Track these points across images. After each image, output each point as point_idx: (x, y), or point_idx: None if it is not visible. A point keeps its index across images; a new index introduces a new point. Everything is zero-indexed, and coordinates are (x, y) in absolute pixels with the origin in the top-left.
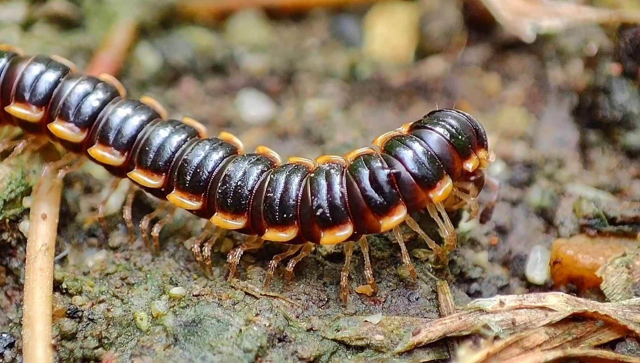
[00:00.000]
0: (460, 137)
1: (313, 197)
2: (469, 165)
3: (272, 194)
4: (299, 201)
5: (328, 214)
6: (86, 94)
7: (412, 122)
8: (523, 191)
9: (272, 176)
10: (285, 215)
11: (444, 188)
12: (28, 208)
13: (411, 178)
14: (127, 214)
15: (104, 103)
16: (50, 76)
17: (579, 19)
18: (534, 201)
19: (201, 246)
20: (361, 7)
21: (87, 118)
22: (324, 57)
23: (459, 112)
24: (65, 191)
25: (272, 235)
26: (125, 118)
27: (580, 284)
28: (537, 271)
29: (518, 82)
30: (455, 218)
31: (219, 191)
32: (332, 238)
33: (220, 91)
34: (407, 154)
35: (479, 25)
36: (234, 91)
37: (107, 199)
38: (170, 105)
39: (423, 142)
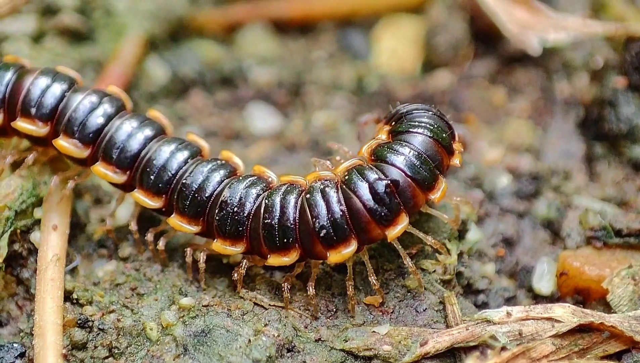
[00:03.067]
0: (444, 135)
1: (314, 219)
2: (456, 160)
3: (269, 221)
4: (297, 224)
5: (332, 234)
6: (91, 110)
7: (387, 128)
8: (530, 203)
9: (267, 201)
10: (285, 240)
11: (441, 187)
12: (39, 219)
13: (412, 183)
14: (134, 226)
15: (108, 119)
16: (56, 90)
17: (585, 32)
18: (541, 213)
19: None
20: (368, 20)
21: (91, 134)
22: (331, 70)
23: (428, 109)
24: (75, 202)
25: (276, 260)
26: (128, 136)
27: (587, 295)
28: (544, 283)
29: (524, 95)
30: (461, 230)
31: (217, 217)
32: (339, 257)
33: (229, 103)
34: (401, 160)
35: (486, 38)
36: (243, 103)
37: (114, 212)
38: (179, 117)
39: (413, 146)
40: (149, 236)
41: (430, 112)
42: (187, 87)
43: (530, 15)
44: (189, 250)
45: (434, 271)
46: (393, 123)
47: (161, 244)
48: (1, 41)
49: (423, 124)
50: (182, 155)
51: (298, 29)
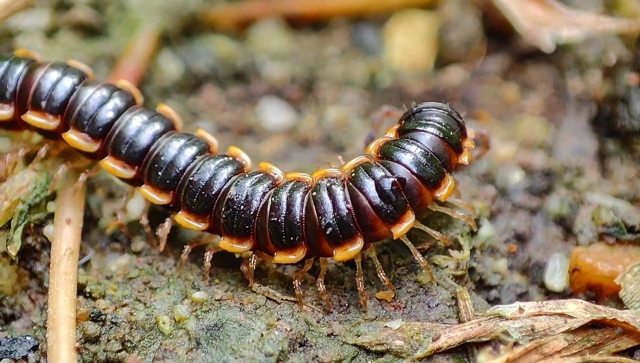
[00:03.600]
0: (452, 133)
1: (320, 217)
2: (465, 158)
3: (275, 219)
4: (303, 222)
5: (338, 232)
6: (101, 104)
7: (396, 126)
8: (542, 200)
9: (273, 199)
10: (292, 238)
11: (448, 185)
12: (52, 213)
13: (418, 181)
14: (144, 220)
15: (118, 113)
16: (67, 84)
17: (598, 29)
18: (553, 210)
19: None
20: (381, 16)
21: (101, 129)
22: (344, 66)
23: (439, 108)
24: (88, 196)
25: (282, 258)
26: (137, 132)
27: (599, 292)
28: (556, 279)
29: (537, 92)
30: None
31: (223, 215)
32: (345, 254)
33: (242, 98)
34: (408, 158)
35: (499, 34)
36: (255, 99)
37: (125, 206)
38: (192, 112)
39: (420, 144)
40: (160, 232)
41: (440, 110)
42: (200, 82)
43: (543, 11)
44: (187, 247)
45: (447, 266)
46: (402, 122)
47: (162, 231)
48: (15, 36)
49: (431, 122)
50: (190, 151)
51: (311, 25)
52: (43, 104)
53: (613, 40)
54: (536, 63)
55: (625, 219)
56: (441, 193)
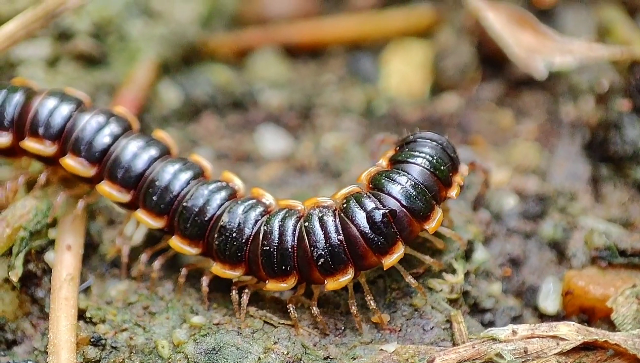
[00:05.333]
0: (442, 168)
1: (312, 248)
2: (453, 193)
3: (267, 248)
4: (295, 251)
5: (330, 263)
6: (98, 129)
7: (389, 155)
8: (536, 224)
9: (265, 227)
10: (283, 267)
11: (437, 218)
12: (53, 239)
13: (407, 213)
14: (144, 258)
15: (114, 138)
16: (63, 110)
17: (591, 56)
18: (547, 234)
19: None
20: (377, 44)
21: (97, 153)
22: (341, 93)
23: (432, 140)
24: (88, 223)
25: (274, 286)
26: (133, 156)
27: (592, 314)
28: (550, 302)
29: (531, 118)
30: (467, 250)
31: (216, 242)
32: (337, 284)
33: (240, 125)
34: (398, 190)
35: (493, 62)
36: (253, 126)
37: (123, 230)
38: (191, 140)
39: (410, 176)
40: (143, 257)
41: (434, 143)
42: (199, 110)
43: (537, 39)
44: (183, 270)
45: (441, 290)
46: (397, 150)
47: (157, 264)
48: (16, 65)
49: (422, 155)
50: (184, 176)
51: (308, 53)
52: (41, 130)
53: (605, 67)
54: (530, 90)
55: (617, 243)
56: (430, 226)
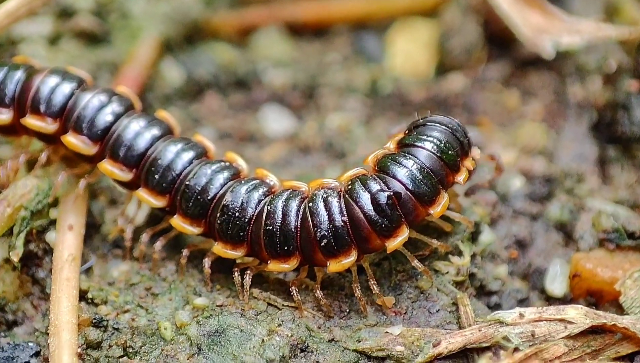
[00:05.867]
0: (450, 152)
1: (315, 228)
2: (460, 178)
3: (270, 228)
4: (298, 231)
5: (333, 244)
6: (100, 107)
7: (398, 138)
8: (543, 206)
9: (268, 207)
10: (286, 247)
11: (442, 202)
12: (55, 219)
13: (412, 196)
14: (145, 237)
15: (117, 117)
16: (65, 88)
17: (599, 36)
18: (554, 216)
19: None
20: (382, 23)
21: (99, 132)
22: (345, 73)
23: (441, 123)
24: (90, 203)
25: (276, 267)
26: (135, 135)
27: (599, 297)
28: (557, 285)
29: (538, 98)
30: (474, 232)
31: (218, 221)
32: (339, 266)
33: (243, 105)
34: (404, 173)
35: (500, 41)
36: (257, 105)
37: (124, 210)
38: (194, 119)
39: (417, 159)
40: (144, 237)
41: (443, 126)
42: (202, 89)
43: (544, 19)
44: (185, 250)
45: (447, 272)
46: (406, 132)
47: (158, 245)
48: (18, 43)
49: (430, 139)
50: (187, 155)
51: (312, 32)
52: (42, 107)
53: (613, 47)
54: (537, 70)
55: (625, 225)
56: (435, 210)
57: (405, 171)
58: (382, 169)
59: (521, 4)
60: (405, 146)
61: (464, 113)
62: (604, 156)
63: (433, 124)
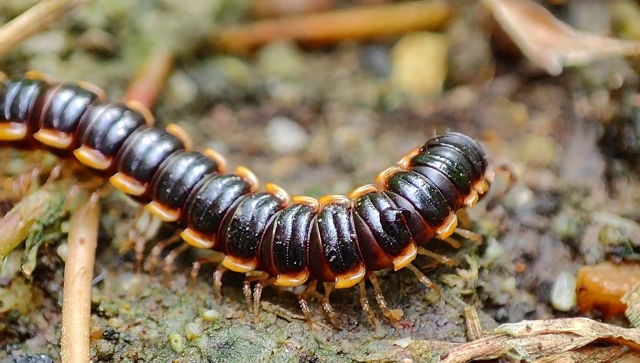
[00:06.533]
0: (461, 174)
1: (324, 245)
2: (469, 201)
3: (280, 242)
4: (307, 247)
5: (342, 260)
6: (112, 122)
7: (411, 156)
8: (550, 220)
9: (278, 222)
10: (295, 262)
11: (451, 223)
12: (66, 233)
13: (421, 216)
14: (157, 251)
15: (129, 131)
16: (78, 103)
17: (605, 51)
18: (561, 229)
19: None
20: (390, 38)
21: (112, 146)
22: (354, 88)
23: (456, 145)
24: (102, 217)
25: (285, 281)
26: (147, 149)
27: (606, 310)
28: (563, 298)
29: (545, 113)
30: (481, 246)
31: (229, 235)
32: (347, 282)
33: (253, 120)
34: (414, 192)
35: (506, 57)
36: (266, 120)
37: (136, 224)
38: (204, 134)
39: (428, 179)
40: (155, 250)
41: (457, 148)
42: (211, 104)
43: (551, 34)
44: (196, 264)
45: (455, 285)
46: (420, 150)
47: (169, 258)
48: (30, 59)
49: (442, 159)
50: (198, 170)
51: (321, 47)
52: (55, 122)
53: (619, 62)
54: (544, 85)
55: (631, 239)
56: (443, 231)
57: (415, 190)
58: (393, 187)
59: (528, 20)
60: (417, 165)
61: (472, 128)
62: (611, 171)
63: (447, 145)
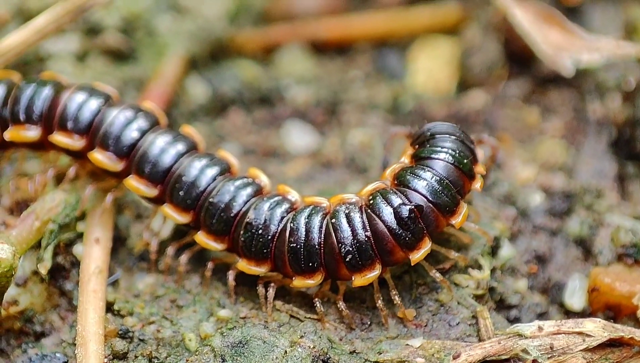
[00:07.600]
0: (465, 161)
1: (340, 244)
2: (477, 185)
3: (294, 245)
4: (322, 248)
5: (358, 259)
6: (126, 124)
7: (410, 151)
8: (562, 221)
9: (291, 224)
10: (310, 263)
11: (462, 212)
12: (82, 233)
13: (434, 208)
14: (171, 251)
15: (142, 133)
16: (92, 105)
17: (618, 53)
18: (573, 231)
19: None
20: (404, 40)
21: (125, 148)
22: (367, 89)
23: (451, 133)
24: (117, 217)
25: (300, 283)
26: (160, 151)
27: (618, 311)
28: (575, 299)
29: (558, 115)
30: (494, 246)
31: (242, 238)
32: (364, 280)
33: (267, 121)
34: (424, 185)
35: (520, 59)
36: (280, 122)
37: (150, 225)
38: (219, 135)
39: (435, 171)
40: (169, 250)
41: (453, 136)
42: (226, 105)
43: (564, 37)
44: (210, 264)
45: (467, 286)
46: (417, 146)
47: (184, 258)
48: (46, 60)
49: (445, 150)
50: (211, 172)
51: (335, 49)
52: (69, 124)
53: (633, 64)
54: (557, 87)
55: None
56: (456, 220)
57: (424, 184)
58: (402, 182)
59: (541, 22)
60: (421, 159)
61: (485, 130)
62: (623, 173)
63: (442, 135)
